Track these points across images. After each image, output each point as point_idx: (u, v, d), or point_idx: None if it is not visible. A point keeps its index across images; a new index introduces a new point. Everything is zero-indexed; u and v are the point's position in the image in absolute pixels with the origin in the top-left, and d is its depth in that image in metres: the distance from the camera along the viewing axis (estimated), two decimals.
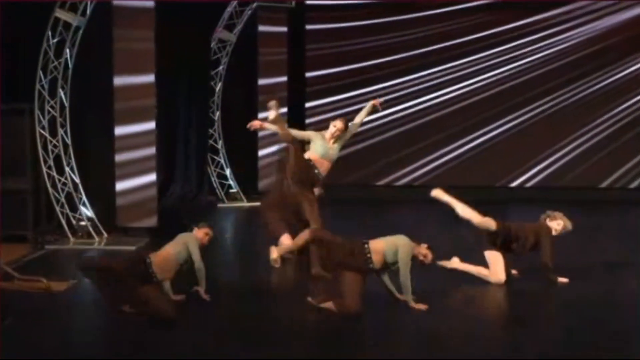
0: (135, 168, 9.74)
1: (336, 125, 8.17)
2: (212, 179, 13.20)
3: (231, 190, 13.34)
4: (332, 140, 8.18)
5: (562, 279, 7.72)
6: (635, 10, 13.36)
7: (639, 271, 8.43)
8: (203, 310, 6.73)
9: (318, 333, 6.36)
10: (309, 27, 13.90)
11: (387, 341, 6.10)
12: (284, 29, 13.58)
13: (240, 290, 7.79)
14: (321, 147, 8.13)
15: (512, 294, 7.50)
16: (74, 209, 9.71)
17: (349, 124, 8.28)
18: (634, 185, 13.58)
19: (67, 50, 9.53)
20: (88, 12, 9.49)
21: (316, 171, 8.10)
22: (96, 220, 9.81)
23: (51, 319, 6.63)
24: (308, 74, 13.97)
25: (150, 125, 9.72)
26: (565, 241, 8.03)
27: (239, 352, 5.75)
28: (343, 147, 8.44)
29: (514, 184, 13.84)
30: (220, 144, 13.24)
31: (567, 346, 6.01)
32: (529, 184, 13.82)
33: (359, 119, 8.43)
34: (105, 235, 9.75)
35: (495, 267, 7.60)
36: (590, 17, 13.53)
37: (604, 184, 13.64)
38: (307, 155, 8.15)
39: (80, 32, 9.56)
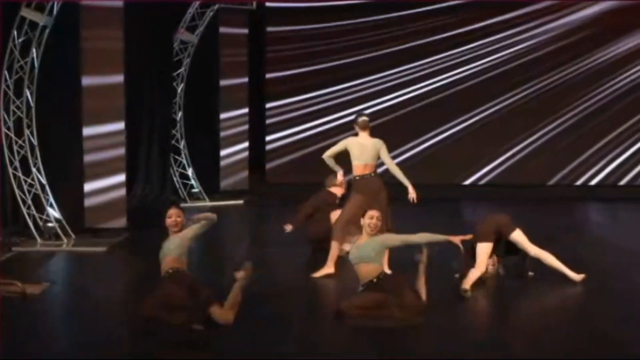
0: (103, 169, 9.32)
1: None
2: (175, 179, 12.80)
3: (193, 190, 12.97)
4: None
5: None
6: (585, 12, 13.41)
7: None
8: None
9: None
10: (269, 29, 13.59)
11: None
12: (245, 30, 13.26)
13: None
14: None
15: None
16: (40, 210, 9.22)
17: None
18: (579, 182, 13.65)
19: (34, 50, 9.03)
20: (55, 11, 9.01)
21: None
22: (64, 221, 9.33)
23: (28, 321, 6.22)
24: (268, 75, 13.66)
25: (119, 125, 9.30)
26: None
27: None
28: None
29: (466, 182, 13.78)
30: (182, 144, 12.84)
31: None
32: (481, 182, 13.75)
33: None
34: (73, 236, 9.28)
35: (481, 258, 7.26)
36: (539, 21, 13.53)
37: (552, 182, 13.68)
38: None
39: (47, 31, 9.08)
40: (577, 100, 13.54)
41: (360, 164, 7.56)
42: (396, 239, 6.56)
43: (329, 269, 7.58)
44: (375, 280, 6.23)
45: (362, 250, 6.33)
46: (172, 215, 6.19)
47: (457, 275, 7.27)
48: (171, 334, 5.67)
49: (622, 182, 13.63)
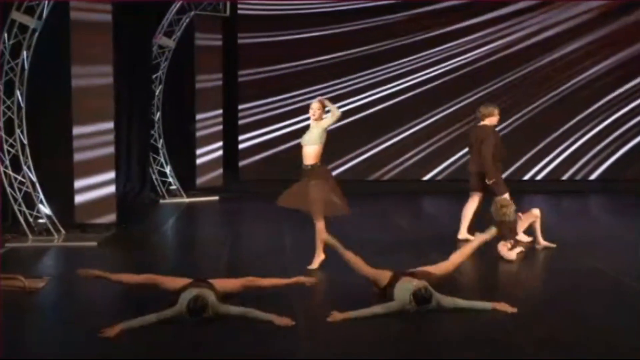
0: (93, 166, 9.06)
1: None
2: (154, 177, 12.59)
3: (171, 187, 12.77)
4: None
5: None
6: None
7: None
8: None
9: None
10: (241, 34, 13.43)
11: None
12: (219, 36, 13.11)
13: None
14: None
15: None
16: (31, 207, 8.96)
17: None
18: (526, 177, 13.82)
19: (24, 52, 8.76)
20: (45, 15, 8.76)
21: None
22: (54, 217, 9.08)
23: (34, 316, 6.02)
24: (241, 79, 13.52)
25: (109, 125, 9.06)
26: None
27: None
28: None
29: (425, 177, 13.85)
30: (160, 143, 12.62)
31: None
32: (439, 177, 13.84)
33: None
34: (64, 232, 9.04)
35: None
36: (495, 27, 13.65)
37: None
38: None
39: (37, 34, 8.82)
40: (530, 98, 13.68)
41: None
42: None
43: (319, 256, 7.49)
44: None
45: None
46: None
47: None
48: (165, 330, 5.43)
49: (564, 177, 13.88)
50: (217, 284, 5.95)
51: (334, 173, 13.38)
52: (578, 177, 13.90)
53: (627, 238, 9.31)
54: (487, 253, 7.68)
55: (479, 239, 6.87)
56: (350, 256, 6.43)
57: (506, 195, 8.32)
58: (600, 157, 13.87)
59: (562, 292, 6.70)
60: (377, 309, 5.75)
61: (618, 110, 13.79)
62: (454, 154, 13.69)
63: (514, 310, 5.85)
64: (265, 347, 5.16)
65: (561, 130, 13.73)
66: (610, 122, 13.79)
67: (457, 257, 6.53)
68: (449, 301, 5.85)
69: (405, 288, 5.82)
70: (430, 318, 5.75)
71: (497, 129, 9.03)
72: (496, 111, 8.64)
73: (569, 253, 8.24)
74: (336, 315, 5.64)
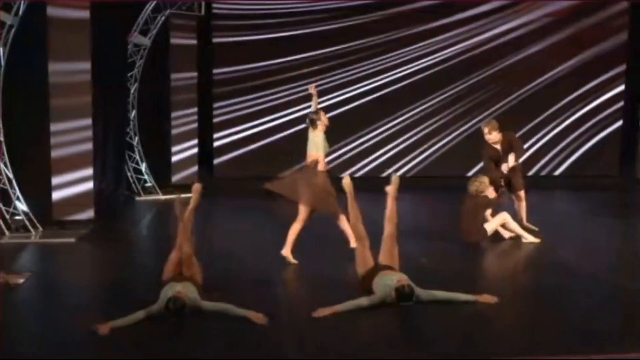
0: (71, 162, 8.85)
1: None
2: (129, 174, 12.37)
3: (146, 184, 12.56)
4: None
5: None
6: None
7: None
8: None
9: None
10: (216, 34, 13.28)
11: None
12: (194, 34, 12.92)
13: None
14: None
15: None
16: (8, 204, 8.72)
17: None
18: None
19: (1, 49, 8.51)
20: (21, 11, 8.53)
21: None
22: (31, 214, 8.85)
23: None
24: (216, 77, 13.37)
25: (87, 121, 8.86)
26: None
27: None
28: None
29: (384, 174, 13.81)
30: (136, 141, 12.40)
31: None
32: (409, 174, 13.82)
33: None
34: (41, 228, 8.81)
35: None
36: (457, 31, 13.70)
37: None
38: None
39: (13, 30, 8.57)
40: (497, 97, 13.75)
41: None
42: None
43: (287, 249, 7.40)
44: None
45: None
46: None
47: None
48: (144, 326, 5.33)
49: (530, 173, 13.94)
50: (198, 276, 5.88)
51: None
52: (543, 173, 14.00)
53: (596, 234, 9.36)
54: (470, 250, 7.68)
55: (390, 194, 6.57)
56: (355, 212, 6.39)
57: (486, 180, 8.47)
58: (565, 153, 14.01)
59: (541, 284, 6.72)
60: (363, 301, 5.68)
61: (581, 108, 13.93)
62: (425, 151, 13.72)
63: (496, 300, 5.83)
64: (251, 346, 5.07)
65: (526, 128, 13.81)
66: (574, 120, 13.94)
67: (389, 227, 6.32)
68: (428, 295, 5.80)
69: (386, 283, 5.76)
70: (412, 310, 5.70)
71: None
72: (485, 129, 8.94)
73: (543, 248, 8.27)
74: (321, 311, 5.55)
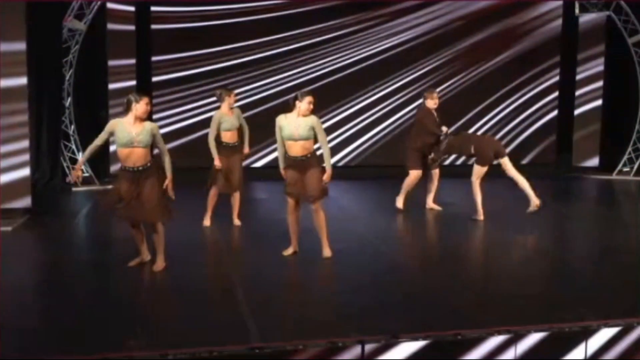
0: (7, 148, 8.40)
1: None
2: (65, 164, 11.87)
3: (84, 174, 12.08)
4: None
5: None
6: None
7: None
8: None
9: None
10: (154, 25, 12.88)
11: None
12: (131, 17, 12.49)
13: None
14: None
15: None
16: None
17: None
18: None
19: None
20: None
21: None
22: None
23: None
24: (154, 59, 12.95)
25: (22, 105, 8.42)
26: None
27: None
28: None
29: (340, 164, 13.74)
30: (72, 130, 11.92)
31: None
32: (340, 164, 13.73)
33: None
34: None
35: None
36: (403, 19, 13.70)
37: None
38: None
39: None
40: (439, 85, 13.81)
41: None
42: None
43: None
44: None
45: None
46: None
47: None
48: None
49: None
50: None
51: (256, 163, 13.26)
52: None
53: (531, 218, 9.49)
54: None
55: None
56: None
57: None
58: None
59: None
60: None
61: (519, 98, 14.15)
62: (369, 140, 13.71)
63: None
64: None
65: (465, 118, 13.89)
66: (511, 110, 14.14)
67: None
68: None
69: None
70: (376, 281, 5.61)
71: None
72: (433, 94, 9.65)
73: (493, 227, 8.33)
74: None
